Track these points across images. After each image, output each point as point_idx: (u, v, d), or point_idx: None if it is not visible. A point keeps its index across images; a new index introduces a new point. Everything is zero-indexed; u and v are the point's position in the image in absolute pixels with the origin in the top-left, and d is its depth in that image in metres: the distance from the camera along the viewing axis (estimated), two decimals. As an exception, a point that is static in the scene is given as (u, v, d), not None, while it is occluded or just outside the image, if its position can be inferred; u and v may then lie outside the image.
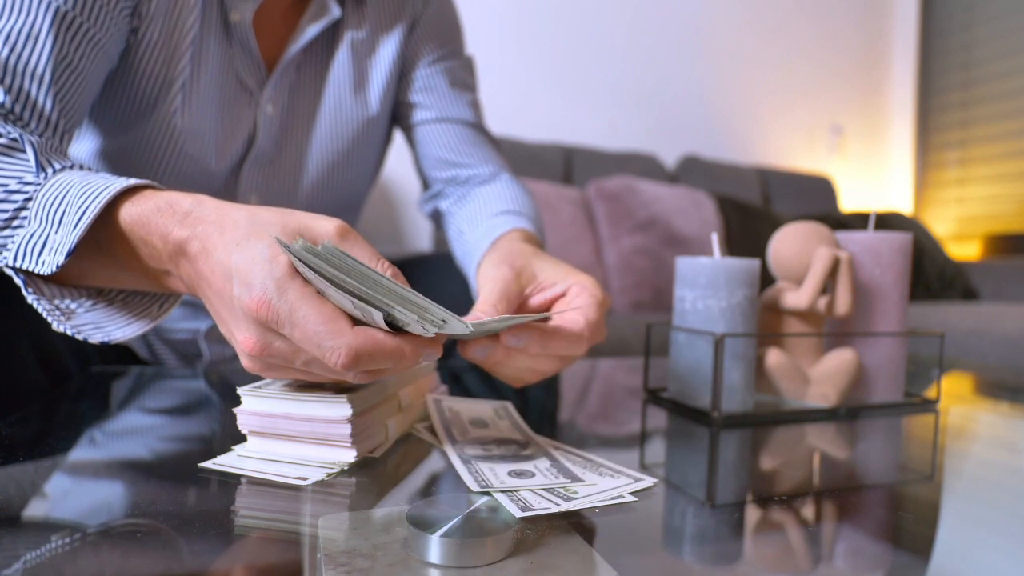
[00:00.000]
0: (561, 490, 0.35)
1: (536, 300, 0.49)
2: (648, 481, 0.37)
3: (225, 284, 0.36)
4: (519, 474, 0.37)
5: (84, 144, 0.71)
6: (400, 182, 2.08)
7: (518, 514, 0.31)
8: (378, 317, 0.33)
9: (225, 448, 0.41)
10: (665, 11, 2.56)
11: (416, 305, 0.34)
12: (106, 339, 0.46)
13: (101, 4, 0.58)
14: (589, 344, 0.46)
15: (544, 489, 0.35)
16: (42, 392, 0.61)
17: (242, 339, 0.36)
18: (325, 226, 0.38)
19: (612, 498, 0.35)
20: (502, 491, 0.35)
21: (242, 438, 0.41)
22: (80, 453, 0.43)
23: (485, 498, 0.32)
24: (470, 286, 0.74)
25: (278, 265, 0.34)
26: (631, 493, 0.36)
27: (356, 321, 0.35)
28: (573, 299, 0.48)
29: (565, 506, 0.33)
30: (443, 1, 0.84)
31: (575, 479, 0.37)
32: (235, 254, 0.36)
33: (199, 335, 0.79)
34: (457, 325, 0.35)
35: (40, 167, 0.47)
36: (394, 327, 0.35)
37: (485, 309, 0.46)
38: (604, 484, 0.37)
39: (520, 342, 0.42)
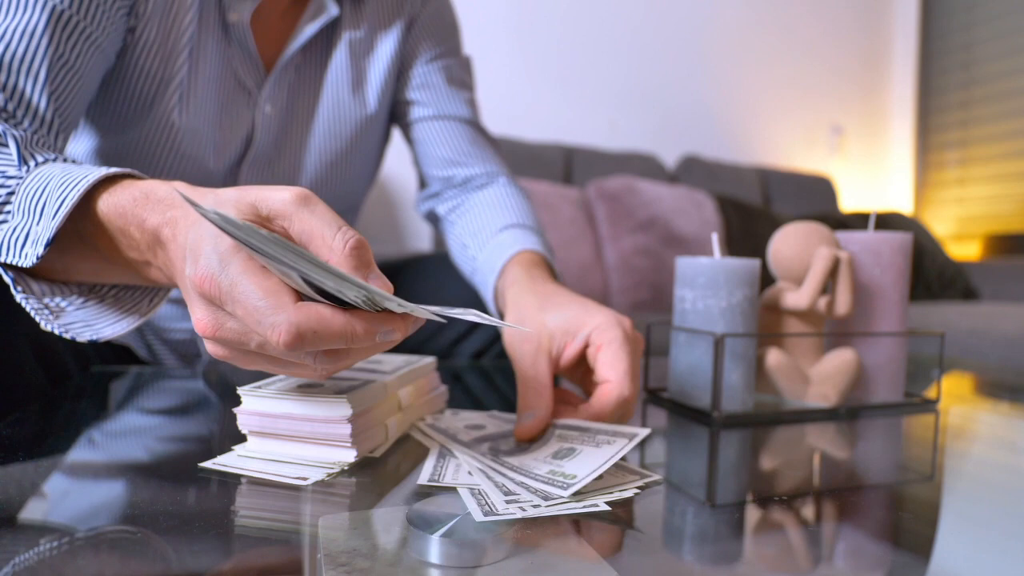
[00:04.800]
0: (548, 488, 0.34)
1: (564, 359, 0.49)
2: (634, 488, 0.37)
3: (182, 265, 0.35)
4: (569, 452, 0.36)
5: (82, 144, 0.71)
6: (399, 182, 2.08)
7: (479, 518, 0.30)
8: (295, 277, 0.30)
9: (225, 448, 0.41)
10: (665, 11, 2.56)
11: (355, 284, 0.31)
12: (95, 337, 0.46)
13: (98, 3, 0.57)
14: (636, 388, 0.46)
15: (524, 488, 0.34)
16: (42, 392, 0.61)
17: (195, 320, 0.34)
18: (282, 195, 0.35)
19: (585, 507, 0.33)
20: (467, 487, 0.34)
21: (242, 438, 0.41)
22: (80, 453, 0.43)
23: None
24: (482, 298, 0.74)
25: (223, 239, 0.32)
26: (606, 502, 0.34)
27: (302, 297, 0.32)
28: (599, 355, 0.47)
29: (532, 512, 0.32)
30: (440, 0, 0.84)
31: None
32: (191, 233, 0.34)
33: (198, 335, 0.79)
34: (405, 306, 0.32)
35: (23, 160, 0.46)
36: (344, 304, 0.32)
37: (541, 407, 0.45)
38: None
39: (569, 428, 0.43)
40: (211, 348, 0.36)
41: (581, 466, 0.35)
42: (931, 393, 0.66)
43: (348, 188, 0.82)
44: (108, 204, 0.42)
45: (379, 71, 0.78)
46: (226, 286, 0.32)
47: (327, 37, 0.75)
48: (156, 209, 0.39)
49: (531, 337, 0.49)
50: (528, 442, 0.44)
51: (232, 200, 0.35)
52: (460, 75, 0.85)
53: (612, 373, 0.46)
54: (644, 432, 0.37)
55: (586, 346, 0.48)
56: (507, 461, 0.38)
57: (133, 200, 0.41)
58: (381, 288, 0.33)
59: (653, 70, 2.55)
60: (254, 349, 0.33)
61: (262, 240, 0.29)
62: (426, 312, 0.33)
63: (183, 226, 0.37)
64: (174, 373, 0.70)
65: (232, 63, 0.69)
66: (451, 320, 0.35)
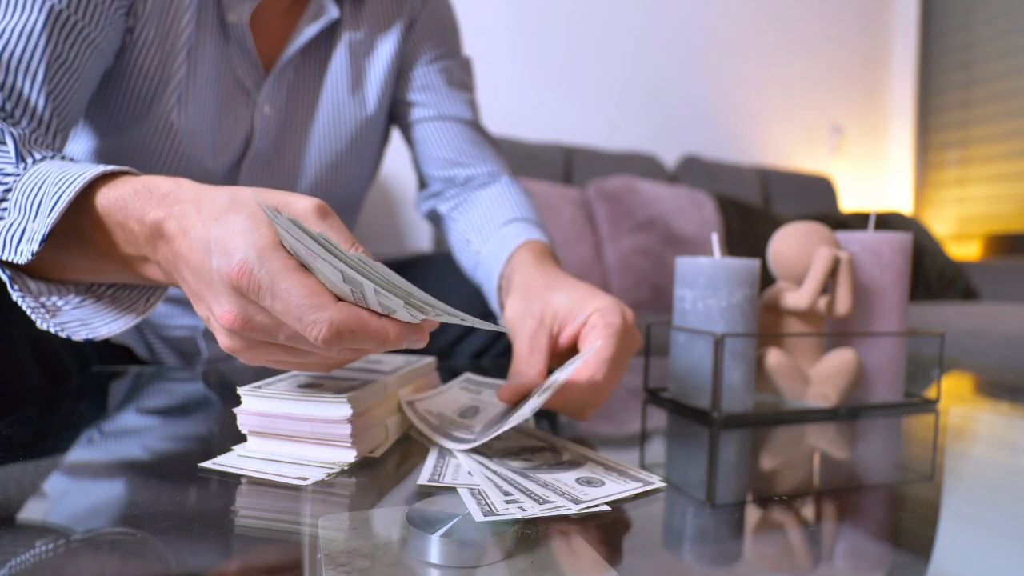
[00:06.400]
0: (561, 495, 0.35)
1: (563, 338, 0.49)
2: (639, 486, 0.37)
3: (204, 258, 0.35)
4: (588, 482, 0.36)
5: (80, 144, 0.71)
6: (400, 182, 2.08)
7: (479, 517, 0.30)
8: (369, 289, 0.32)
9: (225, 448, 0.41)
10: (665, 11, 2.56)
11: (402, 290, 0.33)
12: (91, 336, 0.46)
13: (96, 3, 0.57)
14: (613, 378, 0.45)
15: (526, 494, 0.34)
16: (42, 392, 0.61)
17: (221, 313, 0.34)
18: (303, 203, 0.36)
19: (585, 507, 0.33)
20: (467, 487, 0.34)
21: (242, 438, 0.41)
22: (80, 453, 0.43)
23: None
24: (485, 296, 0.75)
25: (260, 235, 0.33)
26: (606, 502, 0.34)
27: (339, 298, 0.34)
28: (589, 332, 0.47)
29: (531, 512, 0.32)
30: (440, 1, 0.84)
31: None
32: (213, 227, 0.35)
33: (197, 332, 0.79)
34: (443, 313, 0.34)
35: (20, 158, 0.46)
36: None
37: (530, 374, 0.46)
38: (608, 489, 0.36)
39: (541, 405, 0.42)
40: (225, 340, 0.36)
41: (601, 493, 0.35)
42: (931, 393, 0.66)
43: (348, 189, 0.82)
44: (108, 198, 0.41)
45: (379, 72, 0.78)
46: (266, 281, 0.32)
47: (327, 38, 0.75)
48: (160, 203, 0.39)
49: (534, 313, 0.49)
50: (509, 404, 0.45)
51: (253, 202, 0.36)
52: (460, 76, 0.85)
53: (594, 359, 0.45)
54: (659, 483, 0.37)
55: (584, 324, 0.48)
56: (538, 476, 0.38)
57: (134, 193, 0.40)
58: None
59: (653, 70, 2.55)
60: (281, 341, 0.35)
61: (334, 248, 0.31)
62: (454, 317, 0.34)
63: (197, 220, 0.36)
64: (174, 373, 0.70)
65: (231, 63, 0.69)
66: (453, 321, 0.36)
